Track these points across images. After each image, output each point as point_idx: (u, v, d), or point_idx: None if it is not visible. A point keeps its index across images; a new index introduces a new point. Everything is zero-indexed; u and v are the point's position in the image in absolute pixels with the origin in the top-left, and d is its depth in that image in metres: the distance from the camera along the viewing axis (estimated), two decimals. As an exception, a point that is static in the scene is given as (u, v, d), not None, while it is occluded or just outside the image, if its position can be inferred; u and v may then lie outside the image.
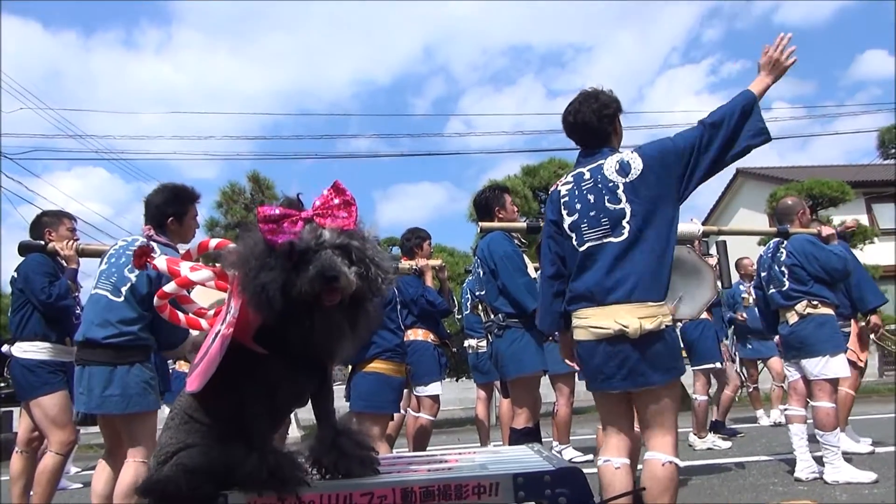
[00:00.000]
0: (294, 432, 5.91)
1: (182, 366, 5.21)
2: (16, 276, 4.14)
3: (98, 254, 3.74)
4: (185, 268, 2.15)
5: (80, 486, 6.68)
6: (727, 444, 6.61)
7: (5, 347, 4.23)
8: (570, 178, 2.82)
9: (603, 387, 2.64)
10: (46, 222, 4.26)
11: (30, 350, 4.03)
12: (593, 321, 2.58)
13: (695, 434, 6.62)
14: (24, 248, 4.11)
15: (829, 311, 4.53)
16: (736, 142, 2.58)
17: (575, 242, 2.70)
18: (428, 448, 5.33)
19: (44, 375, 3.99)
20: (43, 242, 4.12)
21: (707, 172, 2.62)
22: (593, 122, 2.78)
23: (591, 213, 2.66)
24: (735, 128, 2.57)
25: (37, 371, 3.99)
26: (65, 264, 4.06)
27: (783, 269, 4.66)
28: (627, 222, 2.59)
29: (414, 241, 5.46)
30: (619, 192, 2.62)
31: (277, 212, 1.66)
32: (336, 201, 1.72)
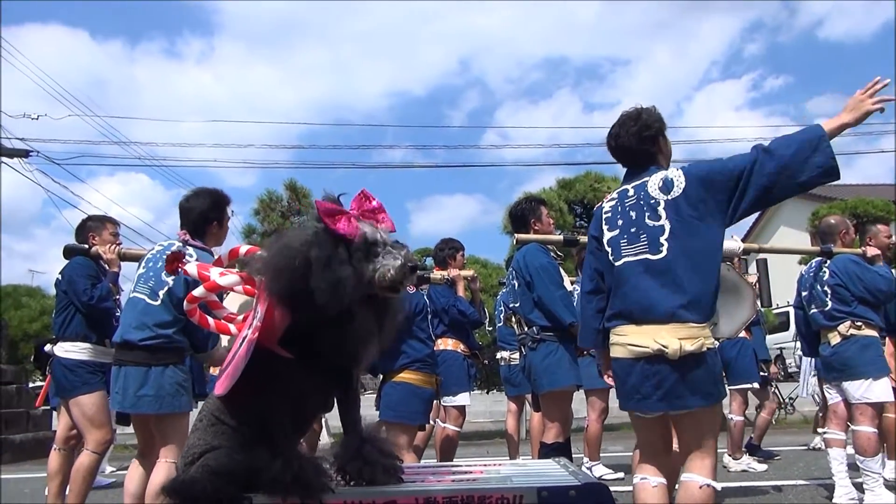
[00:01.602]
0: (324, 439, 5.93)
1: (216, 370, 5.29)
2: (60, 278, 4.26)
3: (138, 258, 3.83)
4: (214, 273, 2.19)
5: (112, 480, 6.78)
6: (763, 466, 6.44)
7: (48, 347, 4.35)
8: (614, 195, 2.80)
9: (639, 407, 2.59)
10: (91, 226, 4.38)
11: (71, 350, 4.13)
12: (631, 339, 2.53)
13: (730, 455, 6.47)
14: (68, 252, 4.22)
15: (874, 332, 4.40)
16: (798, 173, 2.39)
17: (612, 258, 2.67)
18: (456, 460, 5.31)
19: (83, 375, 4.08)
20: (87, 246, 4.22)
21: (758, 200, 2.48)
22: (633, 144, 2.74)
23: (632, 230, 2.63)
24: (793, 158, 2.38)
25: (77, 371, 4.09)
26: (107, 267, 4.16)
27: (826, 288, 4.55)
28: (666, 239, 2.53)
29: (447, 251, 5.46)
30: (660, 209, 2.58)
31: (337, 207, 1.74)
32: (374, 203, 1.78)
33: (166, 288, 3.37)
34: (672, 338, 2.43)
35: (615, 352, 2.63)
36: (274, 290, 1.71)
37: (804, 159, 2.39)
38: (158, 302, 3.37)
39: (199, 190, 3.67)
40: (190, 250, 3.23)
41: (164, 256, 3.39)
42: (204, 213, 3.55)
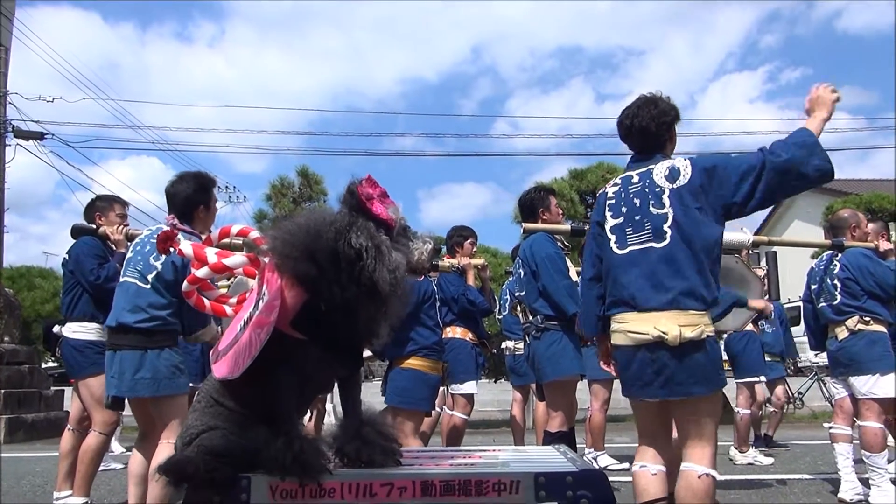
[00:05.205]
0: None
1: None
2: (67, 258, 4.27)
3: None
4: (210, 253, 2.18)
5: (122, 466, 6.84)
6: (769, 460, 6.43)
7: (56, 328, 4.37)
8: (618, 181, 2.81)
9: (640, 394, 2.60)
10: (99, 206, 4.40)
11: (79, 331, 4.16)
12: (632, 326, 2.55)
13: (736, 448, 6.46)
14: (76, 231, 4.23)
15: (882, 328, 4.37)
16: (800, 172, 2.48)
17: (616, 245, 2.68)
18: (462, 447, 5.32)
19: (91, 356, 4.10)
20: (94, 226, 4.24)
21: (764, 198, 2.55)
22: (651, 127, 2.75)
23: (636, 217, 2.64)
24: (795, 160, 2.46)
25: (85, 351, 4.12)
26: (114, 248, 4.18)
27: (836, 282, 4.52)
28: (669, 227, 2.55)
29: (455, 238, 5.45)
30: (665, 197, 2.59)
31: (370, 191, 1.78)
32: (381, 188, 1.80)
33: (155, 272, 3.37)
34: (672, 324, 2.45)
35: (616, 339, 2.65)
36: (301, 272, 1.70)
37: (804, 160, 2.48)
38: (149, 286, 3.37)
39: (184, 174, 3.65)
40: (178, 235, 3.24)
41: (152, 241, 3.40)
42: (190, 198, 3.53)
